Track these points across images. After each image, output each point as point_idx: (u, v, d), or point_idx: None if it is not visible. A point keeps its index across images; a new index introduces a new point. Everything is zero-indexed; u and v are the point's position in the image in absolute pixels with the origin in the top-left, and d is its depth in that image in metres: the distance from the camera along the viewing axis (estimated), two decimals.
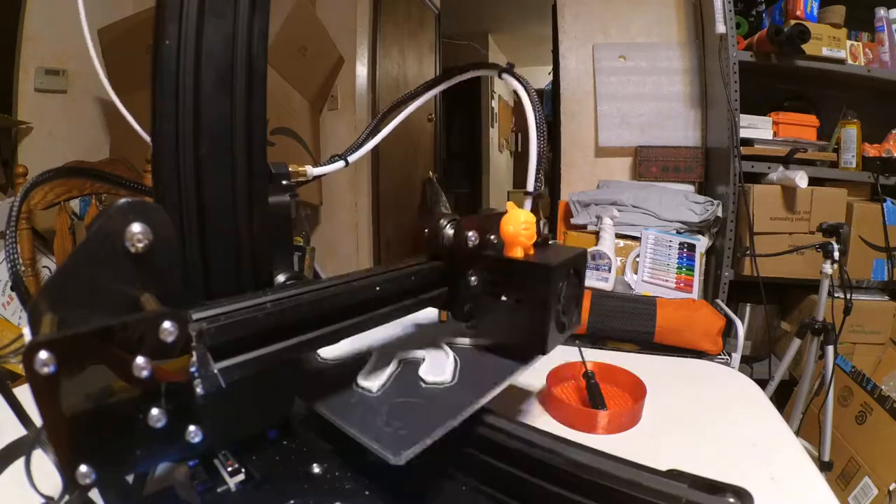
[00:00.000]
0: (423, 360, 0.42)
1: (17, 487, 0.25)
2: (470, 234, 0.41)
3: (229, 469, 0.31)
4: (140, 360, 0.21)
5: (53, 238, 1.21)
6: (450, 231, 0.42)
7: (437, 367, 0.40)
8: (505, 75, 0.47)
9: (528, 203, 0.46)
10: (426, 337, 0.46)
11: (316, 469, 0.33)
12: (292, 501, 0.30)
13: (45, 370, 0.18)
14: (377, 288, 0.35)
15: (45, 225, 1.51)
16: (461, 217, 0.42)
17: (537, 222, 0.43)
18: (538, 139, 0.45)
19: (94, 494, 0.31)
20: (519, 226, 0.41)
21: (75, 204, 1.67)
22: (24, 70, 1.74)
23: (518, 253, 0.42)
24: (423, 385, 0.38)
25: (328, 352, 0.43)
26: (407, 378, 0.39)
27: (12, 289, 1.36)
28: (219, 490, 0.30)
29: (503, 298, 0.42)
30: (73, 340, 0.19)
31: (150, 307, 0.23)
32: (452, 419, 0.32)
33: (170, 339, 0.22)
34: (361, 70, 2.28)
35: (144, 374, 0.21)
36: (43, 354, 0.18)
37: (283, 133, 2.04)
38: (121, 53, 1.65)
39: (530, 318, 0.40)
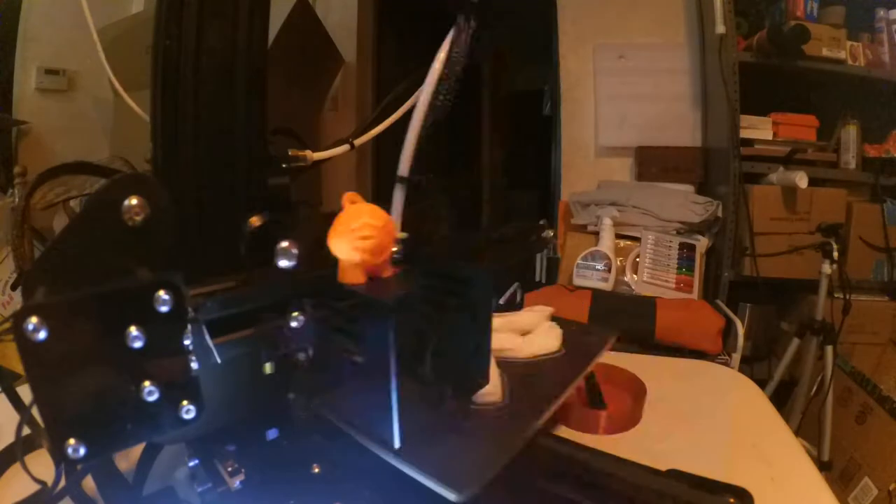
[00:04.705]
0: None
1: (16, 487, 0.25)
2: (284, 246, 0.26)
3: (229, 469, 0.31)
4: (134, 329, 0.20)
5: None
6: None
7: None
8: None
9: (399, 194, 0.33)
10: None
11: (316, 469, 0.33)
12: (292, 501, 0.30)
13: (36, 336, 0.18)
14: None
15: (45, 225, 1.51)
16: (274, 216, 0.28)
17: (429, 221, 0.30)
18: (433, 97, 0.31)
19: (94, 494, 0.31)
20: (351, 232, 0.26)
21: (75, 204, 1.66)
22: (24, 70, 1.74)
23: (355, 276, 0.27)
24: (473, 406, 0.34)
25: None
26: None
27: (13, 288, 1.36)
28: (219, 490, 0.30)
29: (342, 350, 0.28)
30: (65, 306, 0.19)
31: None
32: (511, 448, 0.29)
33: (164, 308, 0.21)
34: (361, 70, 2.28)
35: (138, 344, 0.20)
36: (33, 320, 0.18)
37: (283, 133, 2.04)
38: (121, 53, 1.65)
39: (377, 384, 0.27)
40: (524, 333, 0.45)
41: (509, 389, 0.36)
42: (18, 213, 0.32)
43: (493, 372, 0.35)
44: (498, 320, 0.45)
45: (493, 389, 0.34)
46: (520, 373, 0.39)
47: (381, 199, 0.33)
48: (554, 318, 0.50)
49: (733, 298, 1.65)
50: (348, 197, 0.29)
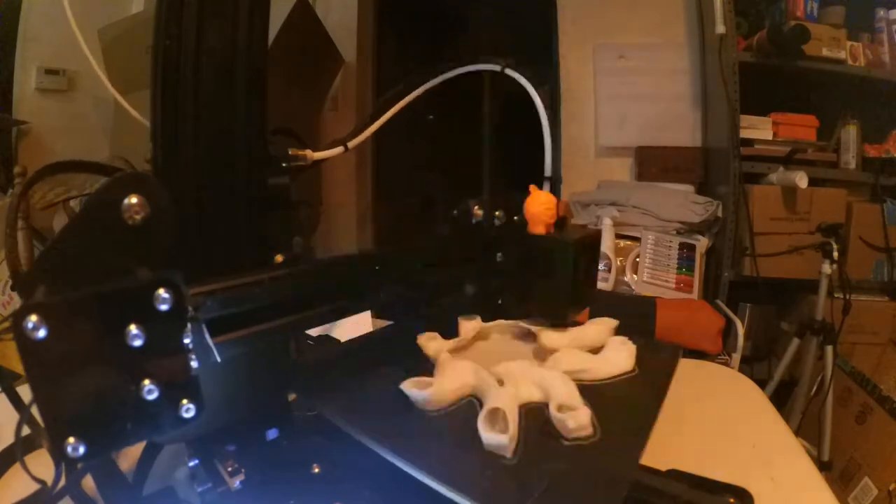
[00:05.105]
0: (548, 402, 0.33)
1: (16, 487, 0.25)
2: (497, 213, 0.46)
3: (229, 469, 0.31)
4: (133, 328, 0.20)
5: None
6: (478, 211, 0.46)
7: (569, 411, 0.32)
8: (509, 70, 0.50)
9: (546, 187, 0.51)
10: (521, 358, 0.38)
11: (316, 469, 0.33)
12: (292, 501, 0.30)
13: (35, 335, 0.18)
14: (376, 267, 0.35)
15: (45, 225, 1.51)
16: (488, 198, 0.46)
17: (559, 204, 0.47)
18: (550, 127, 0.50)
19: (94, 493, 0.31)
20: (541, 206, 0.45)
21: (75, 204, 1.66)
22: (24, 70, 1.74)
23: (541, 230, 0.45)
24: (565, 443, 0.31)
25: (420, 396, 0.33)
26: (539, 430, 0.32)
27: (12, 289, 1.36)
28: (219, 490, 0.30)
29: (528, 273, 0.45)
30: (65, 305, 0.19)
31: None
32: (622, 491, 0.27)
33: (164, 306, 0.21)
34: (361, 70, 2.28)
35: (138, 343, 0.20)
36: (33, 318, 0.18)
37: (283, 133, 2.04)
38: (121, 53, 1.65)
39: (552, 291, 0.44)
40: (594, 351, 0.43)
41: (595, 415, 0.33)
42: (12, 212, 0.32)
43: (579, 401, 0.33)
44: (563, 337, 0.44)
45: (583, 423, 0.31)
46: (600, 398, 0.35)
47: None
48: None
49: (733, 298, 1.65)
50: (532, 187, 0.47)
